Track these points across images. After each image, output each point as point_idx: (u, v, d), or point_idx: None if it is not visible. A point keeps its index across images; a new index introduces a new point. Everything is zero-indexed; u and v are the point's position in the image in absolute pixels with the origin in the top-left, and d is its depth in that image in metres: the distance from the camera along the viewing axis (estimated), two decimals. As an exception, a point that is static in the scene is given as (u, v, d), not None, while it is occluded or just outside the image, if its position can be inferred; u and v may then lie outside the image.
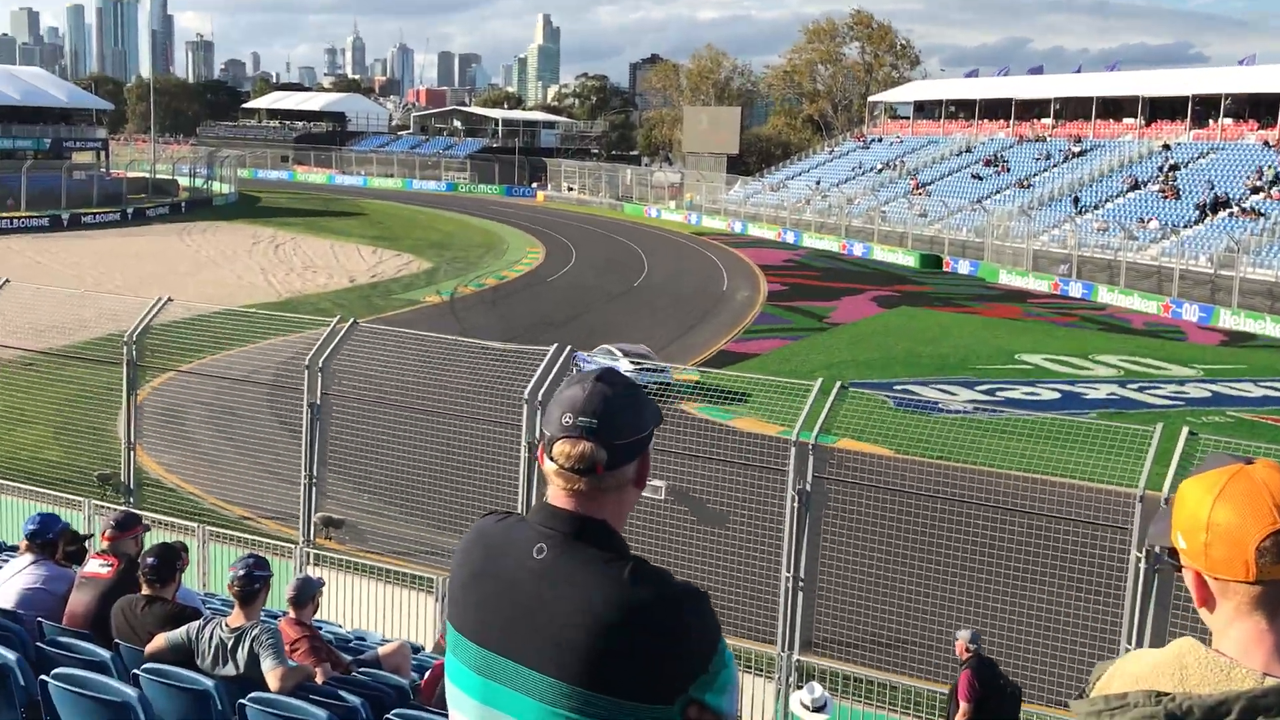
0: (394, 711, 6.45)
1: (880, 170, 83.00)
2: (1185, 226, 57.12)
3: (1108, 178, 68.15)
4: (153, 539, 8.83)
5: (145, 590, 7.12)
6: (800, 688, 10.99)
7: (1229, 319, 46.02)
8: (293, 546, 15.32)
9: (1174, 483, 11.07)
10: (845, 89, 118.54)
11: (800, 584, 13.43)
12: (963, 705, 11.14)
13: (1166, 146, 69.08)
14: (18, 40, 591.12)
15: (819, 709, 10.10)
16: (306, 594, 8.22)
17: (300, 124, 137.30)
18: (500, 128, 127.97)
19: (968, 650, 11.38)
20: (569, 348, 14.94)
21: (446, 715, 2.57)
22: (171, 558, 7.23)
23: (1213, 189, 59.79)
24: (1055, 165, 73.08)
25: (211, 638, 6.69)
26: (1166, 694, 1.90)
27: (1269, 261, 50.02)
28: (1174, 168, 65.35)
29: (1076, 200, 65.00)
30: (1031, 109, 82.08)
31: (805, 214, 76.70)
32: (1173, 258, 52.81)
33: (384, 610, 14.43)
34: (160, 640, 6.71)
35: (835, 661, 13.58)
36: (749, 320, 43.67)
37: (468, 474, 15.98)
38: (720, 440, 15.21)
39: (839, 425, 15.92)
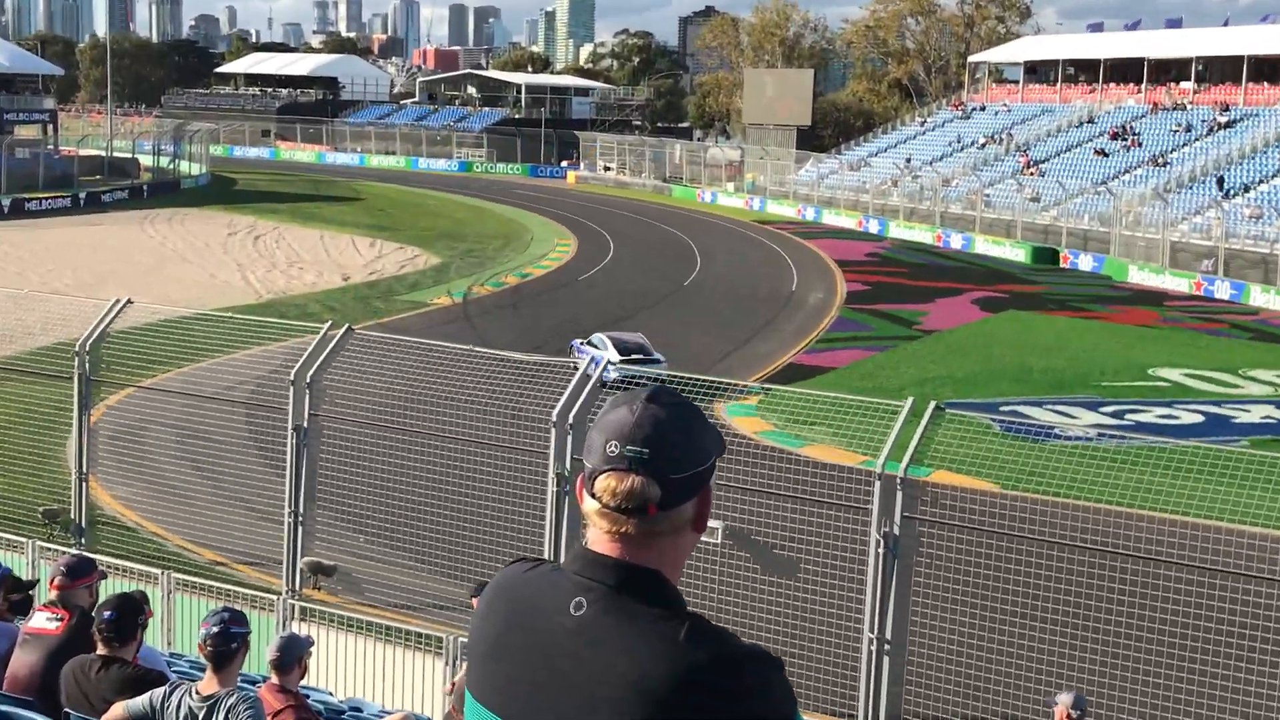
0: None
1: (983, 145, 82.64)
2: (1357, 213, 56.47)
3: (1261, 154, 67.50)
4: (109, 588, 8.90)
5: (101, 649, 7.17)
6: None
7: None
8: (275, 598, 15.39)
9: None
10: (940, 47, 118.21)
11: (886, 647, 13.36)
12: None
13: (1334, 115, 68.44)
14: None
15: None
16: (292, 656, 8.25)
17: (284, 91, 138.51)
18: (523, 96, 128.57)
19: (1069, 718, 11.27)
20: (604, 360, 14.97)
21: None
22: (133, 611, 7.28)
23: (1391, 167, 59.15)
24: (1197, 139, 72.50)
25: (179, 707, 6.72)
26: None
27: None
28: (1343, 141, 64.71)
29: (1222, 181, 64.41)
30: (1168, 70, 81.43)
31: (892, 198, 76.43)
32: (1342, 251, 52.23)
33: (384, 675, 14.47)
34: (119, 709, 6.75)
35: (929, 741, 13.50)
36: (823, 327, 43.54)
37: (485, 512, 16.03)
38: (788, 471, 15.18)
39: (933, 454, 15.84)
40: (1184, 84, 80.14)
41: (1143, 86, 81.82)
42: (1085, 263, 60.52)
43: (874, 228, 73.39)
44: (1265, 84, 75.90)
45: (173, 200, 78.34)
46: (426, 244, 61.64)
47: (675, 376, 16.64)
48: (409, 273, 53.39)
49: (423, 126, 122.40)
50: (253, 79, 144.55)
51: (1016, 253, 63.54)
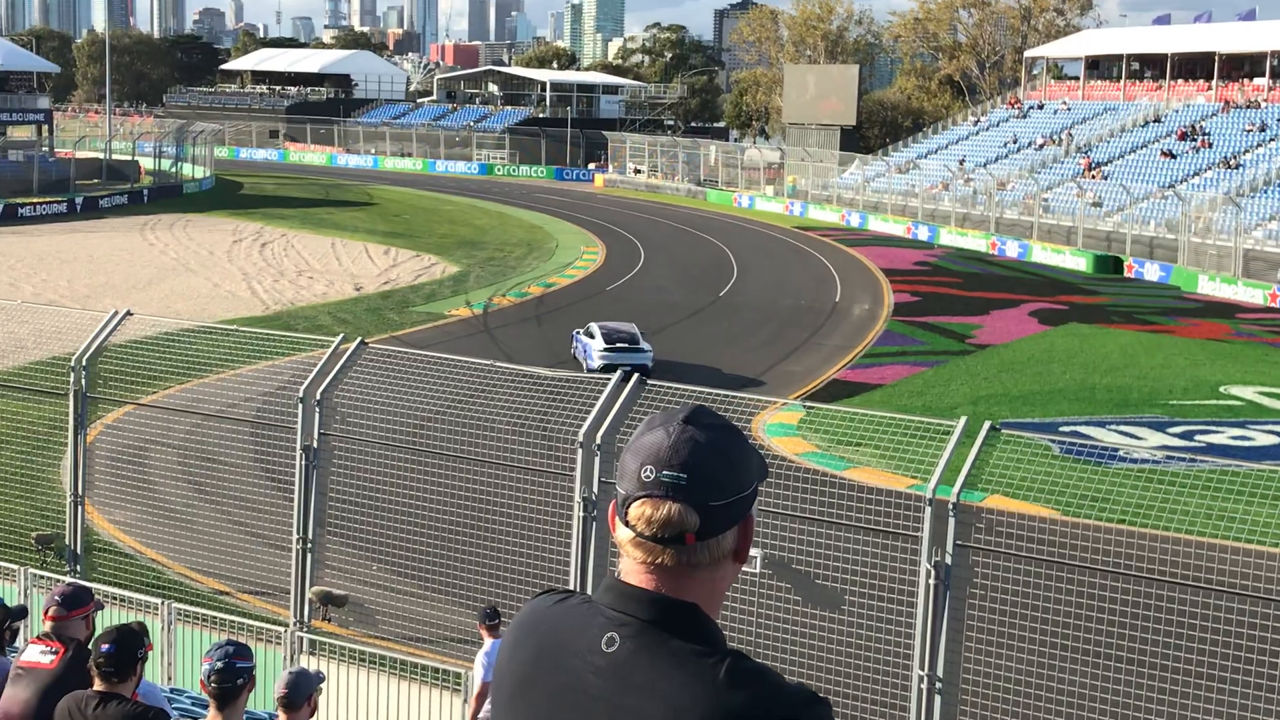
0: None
1: (1041, 146, 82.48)
2: None
3: (1342, 155, 67.19)
4: (106, 619, 8.93)
5: (98, 685, 7.18)
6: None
7: None
8: (282, 630, 15.43)
9: None
10: (995, 41, 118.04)
11: (938, 685, 13.30)
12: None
13: None
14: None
15: None
16: (301, 693, 8.26)
17: (294, 90, 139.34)
18: (548, 93, 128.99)
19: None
20: (635, 376, 14.95)
21: None
22: (132, 645, 7.29)
23: None
24: (1272, 139, 72.18)
25: (181, 747, 6.74)
26: None
27: None
28: None
29: (1300, 184, 64.15)
30: (1240, 66, 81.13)
31: (943, 203, 76.36)
32: None
33: (399, 713, 14.49)
34: (116, 749, 6.76)
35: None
36: (869, 341, 43.48)
37: (506, 538, 16.04)
38: (832, 496, 15.12)
39: (988, 478, 15.78)
40: (1258, 80, 79.81)
41: (1213, 83, 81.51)
42: (1151, 272, 60.26)
43: (924, 234, 73.26)
44: (1346, 80, 75.60)
45: (175, 205, 78.78)
46: (444, 252, 61.80)
47: (709, 393, 16.62)
48: (425, 282, 53.53)
49: (441, 127, 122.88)
50: (260, 76, 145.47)
51: (1077, 261, 63.31)
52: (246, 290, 49.54)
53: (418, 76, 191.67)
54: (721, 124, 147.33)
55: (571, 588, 13.26)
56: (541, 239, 68.91)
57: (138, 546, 20.77)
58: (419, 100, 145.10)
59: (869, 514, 15.06)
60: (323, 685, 8.90)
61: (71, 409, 17.59)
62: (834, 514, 15.14)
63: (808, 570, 15.11)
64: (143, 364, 20.37)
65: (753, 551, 2.63)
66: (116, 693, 7.17)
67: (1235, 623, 13.48)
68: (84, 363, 17.37)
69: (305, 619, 16.22)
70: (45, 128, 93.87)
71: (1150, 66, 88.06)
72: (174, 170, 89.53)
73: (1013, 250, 67.07)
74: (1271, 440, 31.90)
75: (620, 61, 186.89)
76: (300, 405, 16.08)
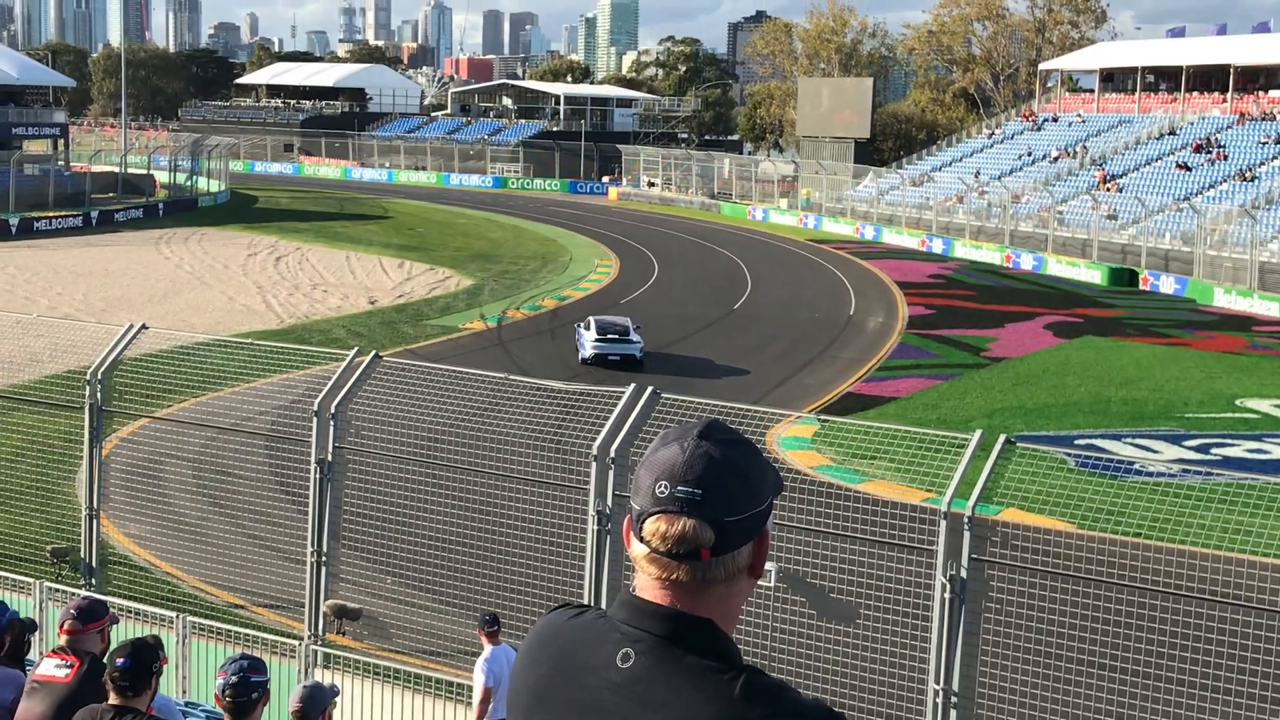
0: None
1: (1056, 159, 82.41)
2: None
3: (1358, 167, 67.03)
4: (121, 633, 8.94)
5: (113, 699, 7.18)
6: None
7: None
8: (297, 644, 15.44)
9: None
10: (1009, 54, 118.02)
11: (954, 700, 13.27)
12: None
13: None
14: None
15: None
16: (316, 706, 8.26)
17: (309, 103, 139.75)
18: (562, 107, 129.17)
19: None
20: (649, 389, 14.94)
21: None
22: (147, 659, 7.29)
23: None
24: (1287, 151, 72.06)
25: (196, 761, 6.75)
26: None
27: None
28: None
29: (1316, 197, 64.00)
30: (1256, 78, 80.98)
31: (957, 215, 76.27)
32: None
33: (412, 727, 14.48)
34: (131, 763, 6.76)
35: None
36: (884, 354, 43.45)
37: (520, 552, 16.04)
38: (847, 509, 15.10)
39: (1003, 491, 15.75)
40: (1273, 92, 79.66)
41: (1228, 95, 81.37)
42: (1167, 285, 60.14)
43: (938, 247, 73.20)
44: (1361, 92, 75.45)
45: (190, 219, 79.02)
46: (458, 265, 61.89)
47: (723, 406, 16.61)
48: (440, 296, 53.60)
49: (455, 140, 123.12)
50: (275, 90, 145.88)
51: (1092, 274, 63.22)
52: (261, 304, 49.63)
53: (432, 90, 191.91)
54: (735, 137, 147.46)
55: (586, 602, 13.25)
56: (555, 252, 68.97)
57: (153, 560, 20.79)
58: (433, 114, 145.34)
59: (884, 528, 15.04)
60: (337, 699, 8.90)
61: (87, 422, 17.62)
62: (848, 528, 15.12)
63: (823, 584, 15.09)
64: (158, 378, 20.42)
65: (767, 566, 2.64)
66: (132, 707, 7.18)
67: (1253, 637, 13.43)
68: (99, 376, 17.41)
69: (320, 632, 16.23)
70: (61, 142, 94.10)
71: (1165, 79, 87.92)
72: (189, 184, 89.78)
73: (1027, 263, 66.99)
74: (1288, 453, 31.79)
75: (634, 75, 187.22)
76: (315, 418, 16.10)
